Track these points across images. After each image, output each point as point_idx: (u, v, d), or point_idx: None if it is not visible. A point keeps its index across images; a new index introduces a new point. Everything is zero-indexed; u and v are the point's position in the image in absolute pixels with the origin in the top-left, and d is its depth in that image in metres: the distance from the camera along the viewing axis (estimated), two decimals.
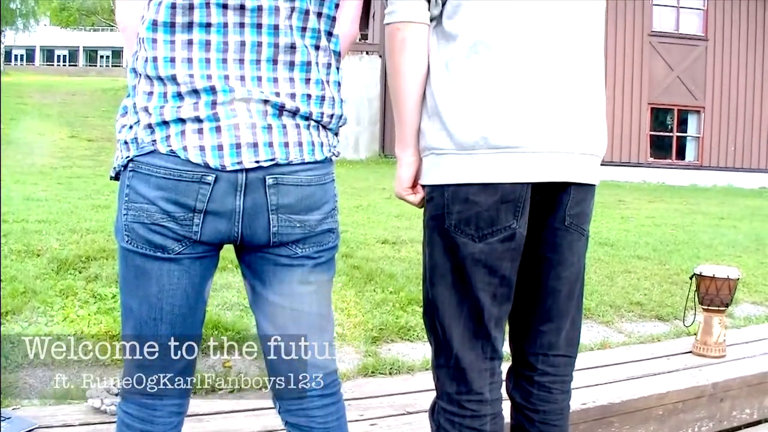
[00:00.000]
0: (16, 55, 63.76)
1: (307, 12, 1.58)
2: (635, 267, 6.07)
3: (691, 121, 20.87)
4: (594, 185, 1.87)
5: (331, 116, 1.64)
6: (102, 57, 63.13)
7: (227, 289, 3.89)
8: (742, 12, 20.44)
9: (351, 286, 4.58)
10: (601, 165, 1.91)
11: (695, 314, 3.98)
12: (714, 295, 3.84)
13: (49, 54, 65.45)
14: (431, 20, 1.77)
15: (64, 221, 6.02)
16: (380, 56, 19.84)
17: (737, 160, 20.56)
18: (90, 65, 63.23)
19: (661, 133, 20.72)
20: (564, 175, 1.75)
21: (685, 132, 20.90)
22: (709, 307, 3.86)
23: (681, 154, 20.88)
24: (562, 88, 1.73)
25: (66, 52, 65.71)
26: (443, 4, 1.75)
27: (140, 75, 1.54)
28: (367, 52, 19.95)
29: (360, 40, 22.37)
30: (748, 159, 20.60)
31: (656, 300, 5.07)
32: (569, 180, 1.77)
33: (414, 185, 1.87)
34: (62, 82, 31.85)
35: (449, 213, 1.75)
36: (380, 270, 5.03)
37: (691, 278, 3.97)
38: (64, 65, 63.62)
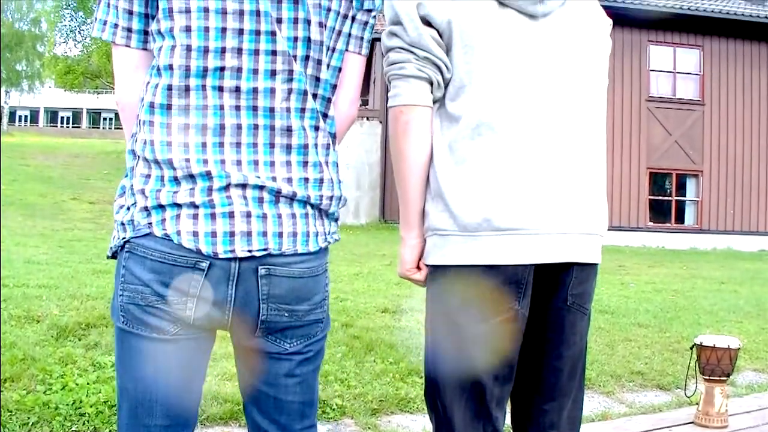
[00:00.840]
0: (20, 116, 64.40)
1: (305, 93, 1.59)
2: (636, 335, 6.05)
3: (690, 184, 20.99)
4: (596, 264, 1.89)
5: (330, 198, 1.64)
6: (105, 119, 63.76)
7: (227, 359, 3.86)
8: (738, 77, 20.73)
9: (351, 357, 4.55)
10: None
11: (696, 384, 3.96)
12: (715, 365, 3.83)
13: (53, 115, 66.12)
14: (434, 102, 1.80)
15: (65, 286, 6.02)
16: (380, 122, 20.02)
17: (736, 223, 20.62)
18: (93, 127, 63.82)
19: (660, 197, 20.82)
20: (566, 255, 1.77)
21: (684, 196, 21.01)
22: (711, 378, 3.85)
23: (680, 218, 20.94)
24: (564, 170, 1.76)
25: (70, 114, 66.37)
26: (446, 86, 1.79)
27: (138, 157, 1.55)
28: (367, 118, 20.16)
29: (360, 105, 22.55)
30: (747, 222, 20.66)
31: (657, 369, 5.04)
32: (572, 260, 1.79)
33: (417, 264, 1.88)
34: (65, 143, 32.12)
35: (452, 293, 1.76)
36: (380, 340, 5.01)
37: (691, 348, 3.96)
38: (67, 127, 64.24)
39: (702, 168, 20.63)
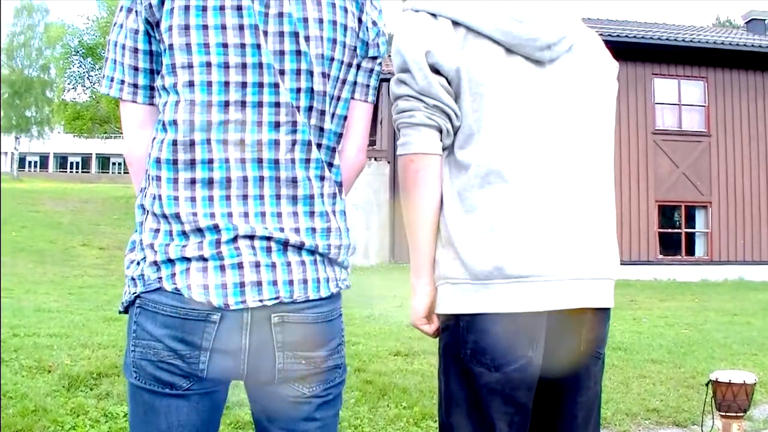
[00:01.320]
0: (30, 162, 64.87)
1: (309, 143, 1.59)
2: (650, 371, 6.00)
3: (699, 216, 20.95)
4: (609, 309, 1.88)
5: (339, 247, 1.64)
6: (114, 164, 64.15)
7: (240, 407, 3.84)
8: (743, 107, 20.78)
9: (364, 402, 4.52)
10: None
11: (713, 420, 3.91)
12: (731, 401, 3.79)
13: (62, 161, 66.57)
14: (443, 150, 1.81)
15: (76, 335, 6.02)
16: (388, 162, 20.07)
17: (747, 253, 20.52)
18: (102, 172, 64.25)
19: (670, 230, 20.78)
20: (579, 301, 1.77)
21: (694, 227, 20.95)
22: (727, 414, 3.81)
23: (690, 250, 20.86)
24: (575, 216, 1.77)
25: (79, 159, 66.81)
26: (455, 134, 1.80)
27: (147, 212, 1.56)
28: (375, 158, 20.24)
29: (369, 146, 22.63)
30: (758, 252, 20.56)
31: (673, 405, 4.99)
32: (585, 306, 1.78)
33: (428, 314, 1.87)
34: (75, 188, 32.31)
35: (465, 342, 1.75)
36: (393, 384, 4.98)
37: (706, 385, 3.92)
38: (77, 172, 64.64)
39: (710, 199, 20.60)
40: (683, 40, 20.43)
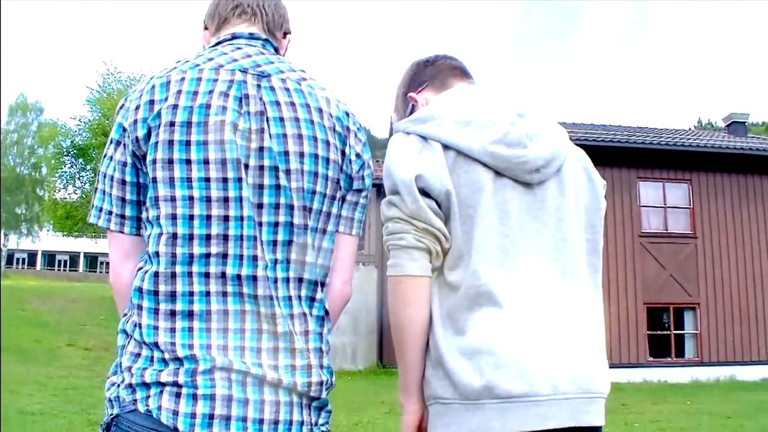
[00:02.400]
0: (17, 259, 64.63)
1: (287, 280, 1.61)
2: None
3: (688, 317, 20.90)
4: (601, 426, 1.87)
5: (320, 384, 1.63)
6: (102, 263, 63.93)
7: None
8: (727, 208, 21.03)
9: None
10: None
11: None
12: None
13: (50, 258, 66.39)
14: (432, 271, 1.83)
15: None
16: (376, 267, 20.06)
17: (737, 353, 20.38)
18: (90, 270, 64.04)
19: (659, 332, 20.68)
20: (571, 420, 1.76)
21: (683, 329, 20.85)
22: None
23: (680, 352, 20.74)
24: (565, 336, 1.78)
25: (67, 257, 66.65)
26: (445, 256, 1.83)
27: (130, 336, 1.58)
28: (363, 263, 20.21)
29: (357, 250, 22.63)
30: (748, 352, 20.43)
31: None
32: (577, 425, 1.77)
33: None
34: (62, 287, 32.08)
35: None
36: None
37: None
38: (64, 270, 64.42)
39: (699, 300, 20.61)
40: (667, 144, 20.81)
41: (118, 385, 1.57)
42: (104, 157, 1.67)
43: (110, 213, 1.66)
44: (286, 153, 1.63)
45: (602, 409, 1.86)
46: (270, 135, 1.63)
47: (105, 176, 1.66)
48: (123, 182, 1.64)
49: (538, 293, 1.79)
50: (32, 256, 65.95)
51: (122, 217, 1.66)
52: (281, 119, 1.65)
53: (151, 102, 1.62)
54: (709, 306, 20.59)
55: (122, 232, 1.66)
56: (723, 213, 20.99)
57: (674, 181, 21.06)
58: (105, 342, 17.76)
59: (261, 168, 1.60)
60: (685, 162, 20.83)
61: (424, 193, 1.80)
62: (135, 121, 1.61)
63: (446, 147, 1.84)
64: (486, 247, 1.79)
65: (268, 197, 1.60)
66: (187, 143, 1.57)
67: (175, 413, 1.49)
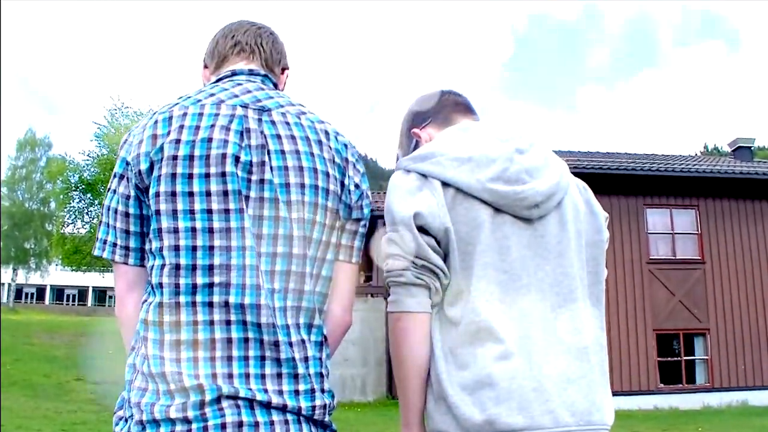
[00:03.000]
0: (26, 293, 64.74)
1: (284, 309, 1.63)
2: None
3: (698, 343, 20.75)
4: None
5: (324, 407, 1.66)
6: (110, 297, 63.91)
7: None
8: (735, 233, 20.97)
9: None
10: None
11: None
12: None
13: (59, 293, 66.52)
14: (432, 307, 1.84)
15: None
16: (385, 298, 20.00)
17: (749, 378, 20.19)
18: (99, 305, 64.07)
19: (669, 359, 20.53)
20: None
21: (693, 355, 20.70)
22: None
23: (691, 378, 20.57)
24: (566, 368, 1.79)
25: (75, 292, 66.79)
26: (444, 291, 1.84)
27: (137, 371, 1.60)
28: (372, 294, 20.23)
29: (364, 282, 22.53)
30: (759, 376, 20.22)
31: None
32: None
33: None
34: (71, 321, 32.06)
35: None
36: None
37: None
38: (73, 304, 64.47)
39: (708, 326, 20.48)
40: (673, 170, 20.80)
41: (126, 420, 1.58)
42: (108, 190, 1.70)
43: (114, 245, 1.69)
44: (287, 185, 1.67)
45: None
46: (271, 168, 1.66)
47: (109, 209, 1.70)
48: (126, 215, 1.68)
49: (538, 327, 1.80)
50: (41, 290, 66.06)
51: (126, 248, 1.69)
52: (282, 152, 1.69)
53: (154, 136, 1.65)
54: (719, 331, 20.46)
55: (126, 263, 1.69)
56: (731, 238, 20.93)
57: (681, 207, 21.02)
58: (114, 376, 17.62)
59: (261, 199, 1.64)
60: (692, 187, 20.82)
61: (423, 230, 1.82)
62: (138, 155, 1.65)
63: (445, 184, 1.86)
64: (486, 283, 1.80)
65: (267, 228, 1.63)
66: (190, 176, 1.60)
67: None
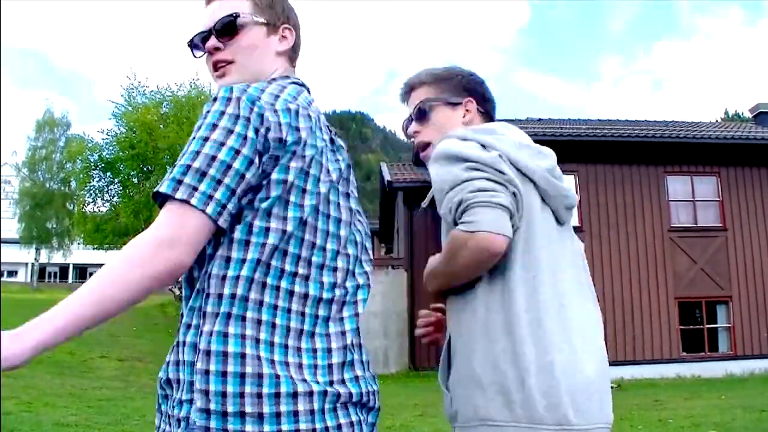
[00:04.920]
0: (50, 272, 65.33)
1: (355, 303, 1.71)
2: None
3: (720, 311, 20.69)
4: None
5: (373, 393, 1.71)
6: None
7: None
8: (757, 200, 20.85)
9: None
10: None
11: None
12: None
13: (81, 271, 67.01)
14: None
15: None
16: (406, 270, 20.05)
17: None
18: None
19: (691, 327, 20.49)
20: None
21: (716, 323, 20.65)
22: None
23: (713, 346, 20.51)
24: (603, 368, 1.87)
25: (98, 270, 67.19)
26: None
27: (202, 351, 1.52)
28: (393, 266, 20.36)
29: (385, 254, 22.57)
30: None
31: None
32: None
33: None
34: None
35: None
36: None
37: None
38: None
39: (730, 293, 20.41)
40: (694, 137, 20.66)
41: (190, 404, 1.52)
42: (221, 145, 1.54)
43: (224, 207, 1.53)
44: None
45: None
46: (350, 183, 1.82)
47: (223, 164, 1.53)
48: (242, 177, 1.54)
49: (582, 325, 1.85)
50: (64, 269, 66.65)
51: (224, 207, 1.53)
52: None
53: (295, 120, 1.64)
54: (741, 299, 20.38)
55: (217, 223, 1.53)
56: (753, 205, 20.78)
57: (702, 175, 20.89)
58: (138, 353, 17.92)
59: (350, 210, 1.76)
60: (713, 155, 20.68)
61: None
62: (279, 123, 1.59)
63: (506, 159, 1.87)
64: (546, 264, 1.86)
65: (351, 235, 1.75)
66: (318, 179, 1.66)
67: None
